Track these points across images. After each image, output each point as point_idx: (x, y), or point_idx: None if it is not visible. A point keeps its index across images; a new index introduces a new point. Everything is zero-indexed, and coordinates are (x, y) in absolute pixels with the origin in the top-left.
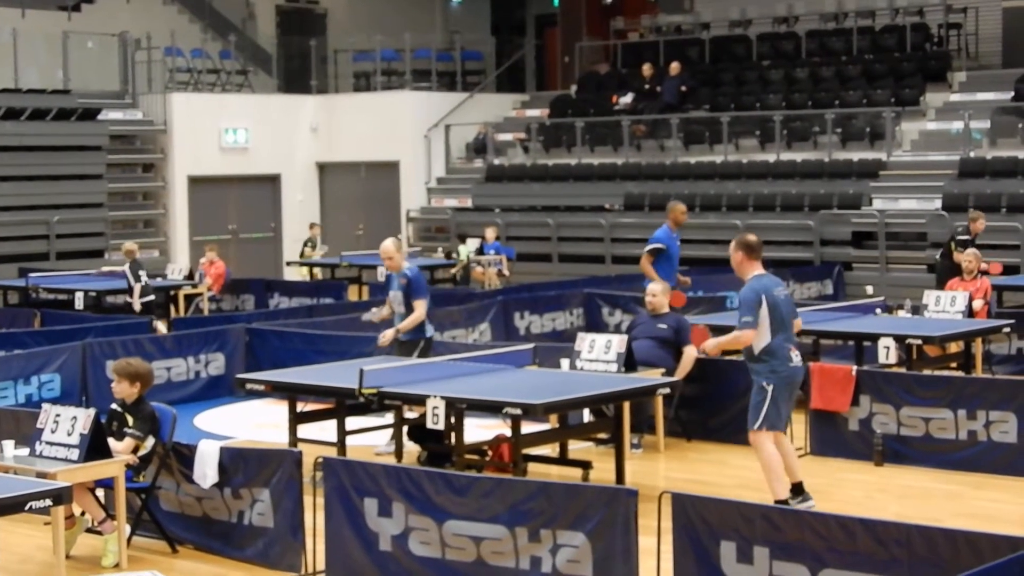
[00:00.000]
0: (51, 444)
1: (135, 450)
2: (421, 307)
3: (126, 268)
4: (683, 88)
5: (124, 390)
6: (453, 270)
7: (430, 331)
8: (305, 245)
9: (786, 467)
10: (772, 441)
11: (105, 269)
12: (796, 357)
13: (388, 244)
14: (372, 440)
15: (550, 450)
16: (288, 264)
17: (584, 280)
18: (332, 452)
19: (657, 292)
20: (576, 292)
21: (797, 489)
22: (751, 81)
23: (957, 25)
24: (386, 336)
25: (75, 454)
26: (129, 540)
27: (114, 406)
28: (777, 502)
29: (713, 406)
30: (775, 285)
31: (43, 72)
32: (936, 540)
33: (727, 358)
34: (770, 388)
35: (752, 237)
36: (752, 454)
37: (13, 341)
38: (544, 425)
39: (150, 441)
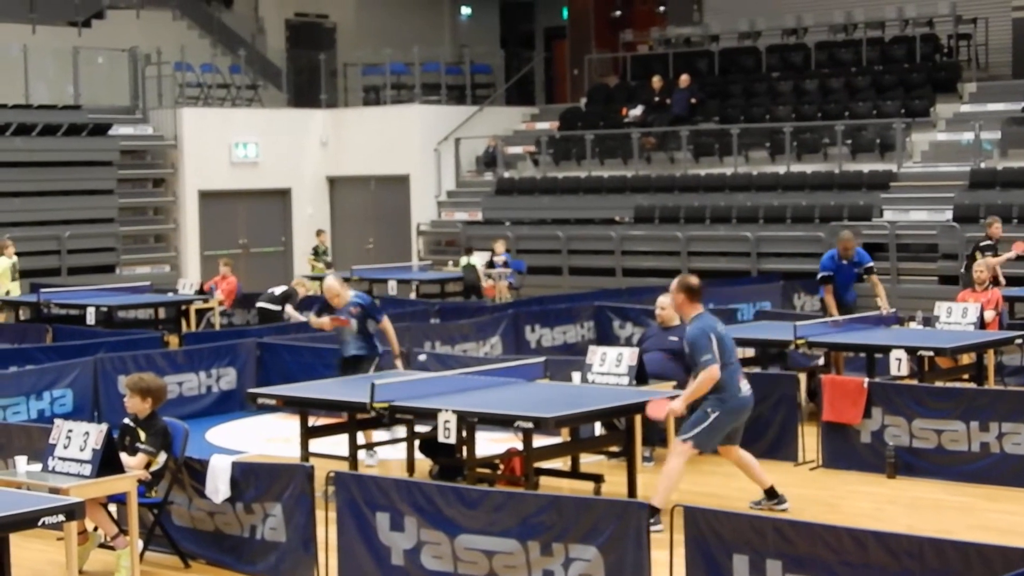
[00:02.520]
0: (63, 459)
1: (147, 465)
2: (389, 322)
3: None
4: (693, 100)
5: (136, 405)
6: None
7: (382, 348)
8: (315, 254)
9: (753, 475)
10: (687, 457)
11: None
12: (745, 387)
13: (332, 282)
14: (385, 455)
15: (562, 463)
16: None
17: (595, 293)
18: (344, 466)
19: (667, 305)
20: (587, 305)
21: (771, 493)
22: (761, 93)
23: (967, 36)
24: (400, 365)
25: (87, 469)
26: (142, 555)
27: (126, 421)
28: (652, 510)
29: None
30: (716, 322)
31: (54, 88)
32: (948, 553)
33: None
34: (714, 415)
35: (694, 279)
36: (765, 467)
37: (25, 357)
38: (556, 438)
39: (162, 456)
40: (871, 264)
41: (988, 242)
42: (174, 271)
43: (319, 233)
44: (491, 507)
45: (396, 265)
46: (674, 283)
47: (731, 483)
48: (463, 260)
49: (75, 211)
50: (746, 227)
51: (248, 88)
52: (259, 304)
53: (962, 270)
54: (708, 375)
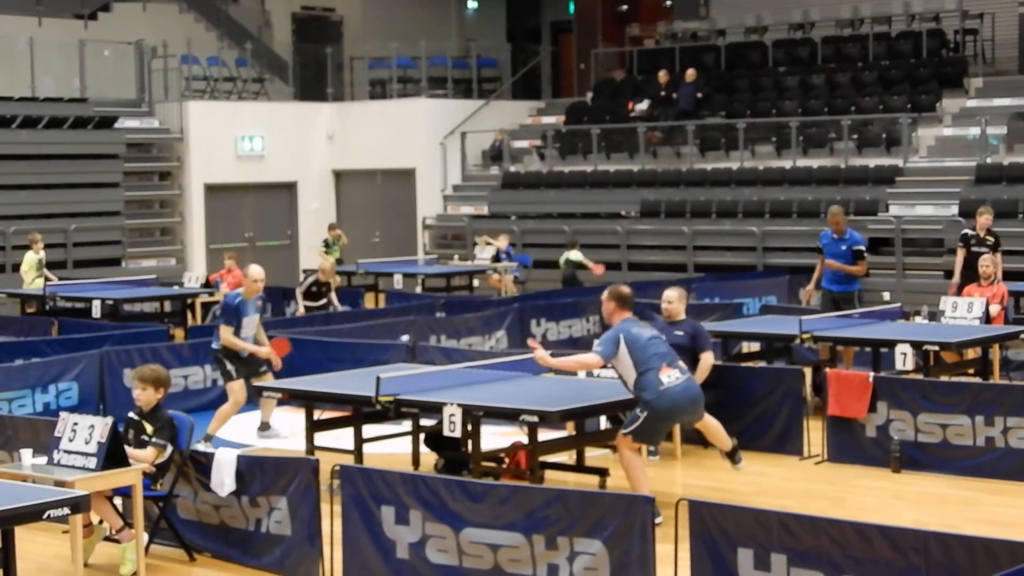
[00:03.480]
0: (69, 453)
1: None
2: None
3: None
4: (699, 95)
5: (148, 396)
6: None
7: None
8: (325, 247)
9: (717, 437)
10: (631, 448)
11: None
12: (671, 382)
13: (261, 270)
14: (390, 448)
15: (567, 457)
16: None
17: (600, 287)
18: (349, 460)
19: (673, 299)
20: (592, 299)
21: (732, 452)
22: (767, 87)
23: (973, 31)
24: (273, 358)
25: (93, 463)
26: (147, 548)
27: (131, 414)
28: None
29: (729, 413)
30: (634, 327)
31: (60, 81)
32: (953, 547)
33: (744, 365)
34: (643, 415)
35: (626, 289)
36: (770, 461)
37: (31, 350)
38: (561, 432)
39: (168, 449)
40: (860, 247)
41: (973, 232)
42: (180, 264)
43: (332, 227)
44: (496, 501)
45: (402, 259)
46: (606, 292)
47: (736, 477)
48: (565, 255)
49: (81, 204)
50: (752, 221)
51: (254, 81)
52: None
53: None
54: (587, 360)
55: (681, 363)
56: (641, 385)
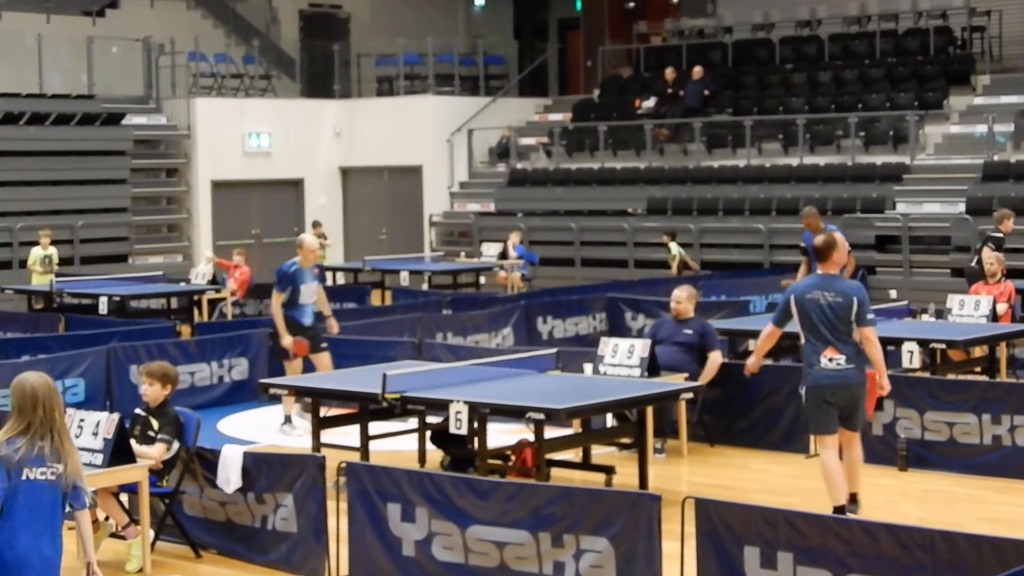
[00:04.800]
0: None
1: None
2: (323, 290)
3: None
4: (706, 92)
5: (155, 392)
6: (674, 268)
7: None
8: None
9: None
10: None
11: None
12: (827, 360)
13: (316, 240)
14: (396, 446)
15: (573, 455)
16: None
17: (607, 284)
18: (355, 457)
19: (682, 299)
20: (599, 296)
21: (852, 498)
22: (774, 84)
23: (981, 28)
24: (333, 325)
25: (99, 459)
26: (153, 545)
27: (138, 411)
28: (835, 509)
29: (737, 410)
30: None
31: (67, 77)
32: (960, 545)
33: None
34: (803, 390)
35: (836, 238)
36: (776, 459)
37: (37, 345)
38: (567, 430)
39: (174, 445)
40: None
41: (998, 235)
42: (187, 261)
43: (316, 225)
44: (502, 498)
45: (408, 256)
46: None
47: (743, 475)
48: (673, 247)
49: (88, 200)
50: (759, 219)
51: (262, 78)
52: None
53: (972, 264)
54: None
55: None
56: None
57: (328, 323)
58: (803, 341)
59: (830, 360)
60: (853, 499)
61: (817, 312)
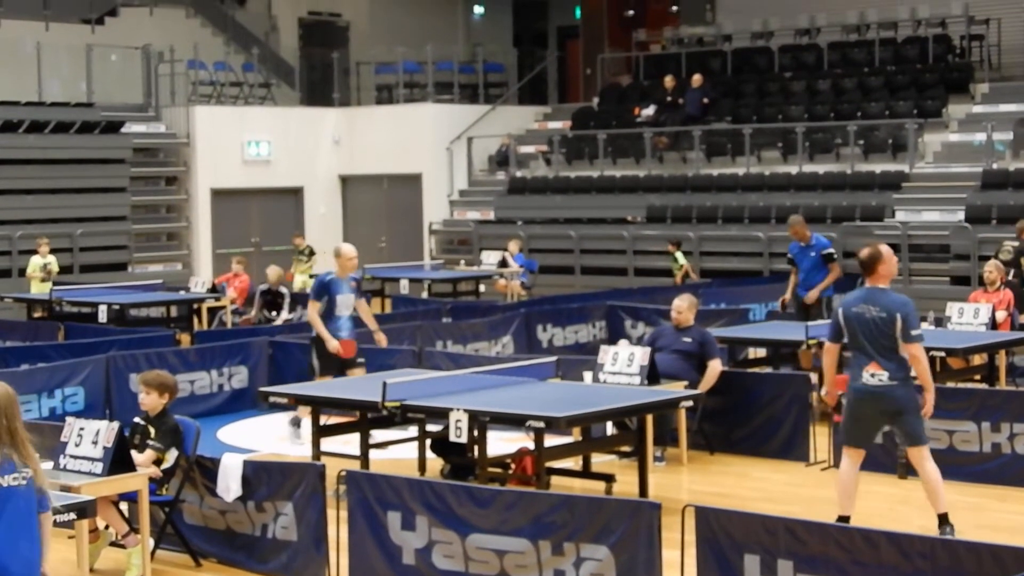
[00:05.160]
0: (75, 457)
1: (158, 463)
2: (366, 304)
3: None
4: (705, 100)
5: (153, 401)
6: (678, 278)
7: None
8: (305, 255)
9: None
10: (848, 456)
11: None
12: (869, 375)
13: (353, 248)
14: (396, 454)
15: (573, 463)
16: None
17: (607, 292)
18: (355, 465)
19: (683, 308)
20: (599, 304)
21: (942, 519)
22: (773, 93)
23: (979, 36)
24: (381, 338)
25: (99, 467)
26: (153, 553)
27: (137, 419)
28: (839, 517)
29: (736, 419)
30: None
31: (67, 85)
32: (960, 553)
33: (750, 371)
34: (844, 401)
35: (883, 248)
36: (776, 467)
37: (37, 354)
38: (567, 438)
39: (173, 454)
40: (829, 251)
41: (1018, 243)
42: (186, 269)
43: (296, 236)
44: (502, 506)
45: (408, 264)
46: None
47: (743, 483)
48: (678, 256)
49: (87, 209)
50: (758, 227)
51: (261, 86)
52: None
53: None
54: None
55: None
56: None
57: (376, 337)
58: (851, 355)
59: (872, 375)
60: (945, 519)
61: (862, 327)
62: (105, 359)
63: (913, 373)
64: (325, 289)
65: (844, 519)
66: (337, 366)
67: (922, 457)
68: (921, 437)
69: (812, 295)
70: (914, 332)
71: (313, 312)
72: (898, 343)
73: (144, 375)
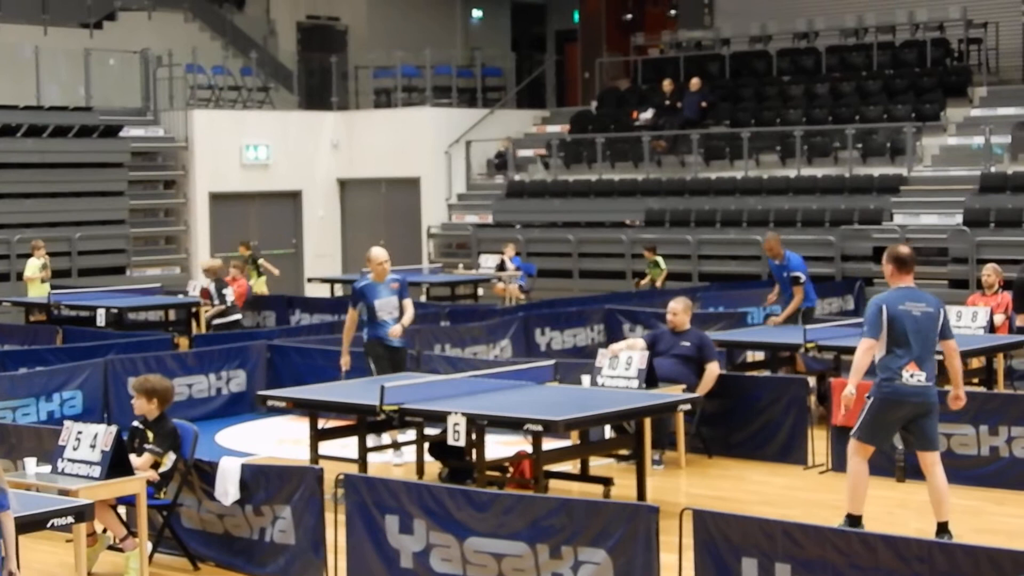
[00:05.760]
0: (73, 461)
1: (155, 466)
2: (412, 306)
3: (211, 286)
4: (703, 103)
5: (143, 407)
6: (659, 282)
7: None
8: (253, 263)
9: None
10: (861, 454)
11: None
12: (908, 375)
13: (383, 251)
14: (394, 457)
15: (571, 466)
16: (260, 276)
17: (605, 296)
18: (353, 469)
19: (678, 311)
20: (597, 308)
21: (941, 527)
22: (771, 96)
23: (978, 40)
24: (397, 330)
25: (97, 471)
26: (151, 557)
27: (136, 423)
28: (849, 516)
29: (735, 422)
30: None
31: (65, 89)
32: (957, 556)
33: (749, 374)
34: (869, 401)
35: (904, 249)
36: (774, 470)
37: (35, 358)
38: (565, 441)
39: (171, 458)
40: (795, 274)
41: None
42: (184, 273)
43: (243, 245)
44: (500, 510)
45: (406, 268)
46: (885, 255)
47: (740, 486)
48: (656, 261)
49: (86, 213)
50: (756, 230)
51: (259, 90)
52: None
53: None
54: (862, 349)
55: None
56: (883, 364)
57: (392, 328)
58: (884, 353)
59: (911, 375)
60: (944, 528)
61: (912, 325)
62: (103, 363)
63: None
64: (359, 296)
65: (856, 519)
66: (390, 369)
67: (935, 461)
68: (937, 440)
69: (775, 322)
70: (952, 328)
71: (348, 319)
72: (936, 342)
73: (134, 380)
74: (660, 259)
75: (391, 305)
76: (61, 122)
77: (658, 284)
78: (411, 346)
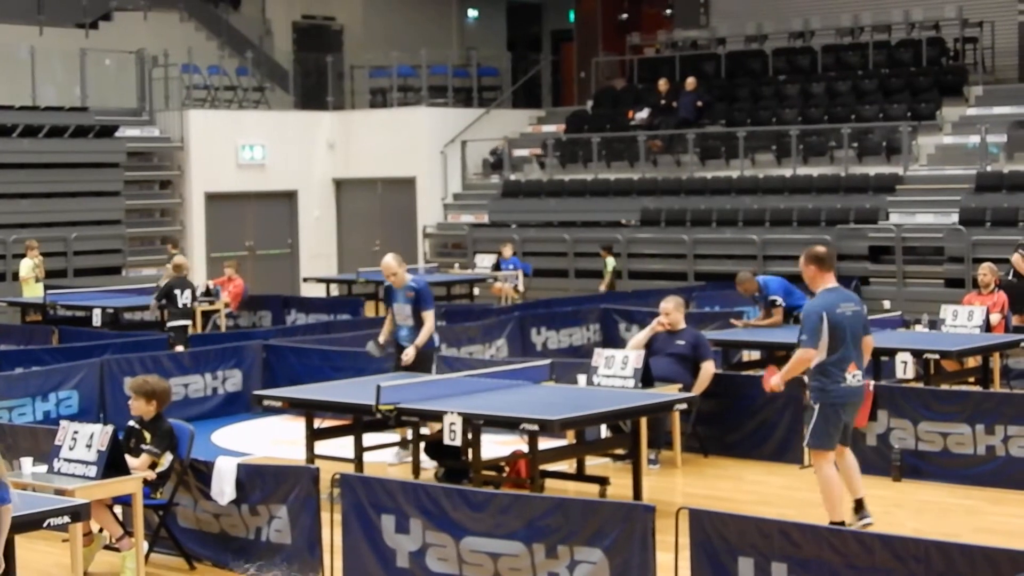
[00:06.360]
0: (69, 461)
1: (152, 466)
2: (431, 318)
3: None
4: (699, 103)
5: (141, 407)
6: (603, 285)
7: (437, 340)
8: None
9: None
10: (825, 461)
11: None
12: (851, 376)
13: (390, 260)
14: (390, 457)
15: (567, 466)
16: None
17: (601, 295)
18: (349, 468)
19: (670, 310)
20: (593, 308)
21: (858, 505)
22: (767, 96)
23: (973, 39)
24: (408, 355)
25: (93, 471)
26: (147, 557)
27: (132, 423)
28: (831, 523)
29: (731, 422)
30: (842, 300)
31: (61, 89)
32: (954, 556)
33: (745, 374)
34: (817, 407)
35: (821, 248)
36: (770, 470)
37: (31, 358)
38: (561, 441)
39: (168, 458)
40: (772, 298)
41: None
42: None
43: (168, 242)
44: (496, 509)
45: None
46: (803, 256)
47: (738, 486)
48: (610, 261)
49: (81, 213)
50: (752, 230)
51: (255, 90)
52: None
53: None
54: (800, 357)
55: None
56: (823, 369)
57: (406, 351)
58: (825, 357)
59: (853, 376)
60: (861, 505)
61: (850, 327)
62: (99, 363)
63: None
64: (385, 295)
65: (840, 524)
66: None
67: (847, 449)
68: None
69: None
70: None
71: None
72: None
73: (132, 381)
74: (610, 259)
75: (404, 312)
76: (57, 122)
77: (603, 285)
78: (433, 346)
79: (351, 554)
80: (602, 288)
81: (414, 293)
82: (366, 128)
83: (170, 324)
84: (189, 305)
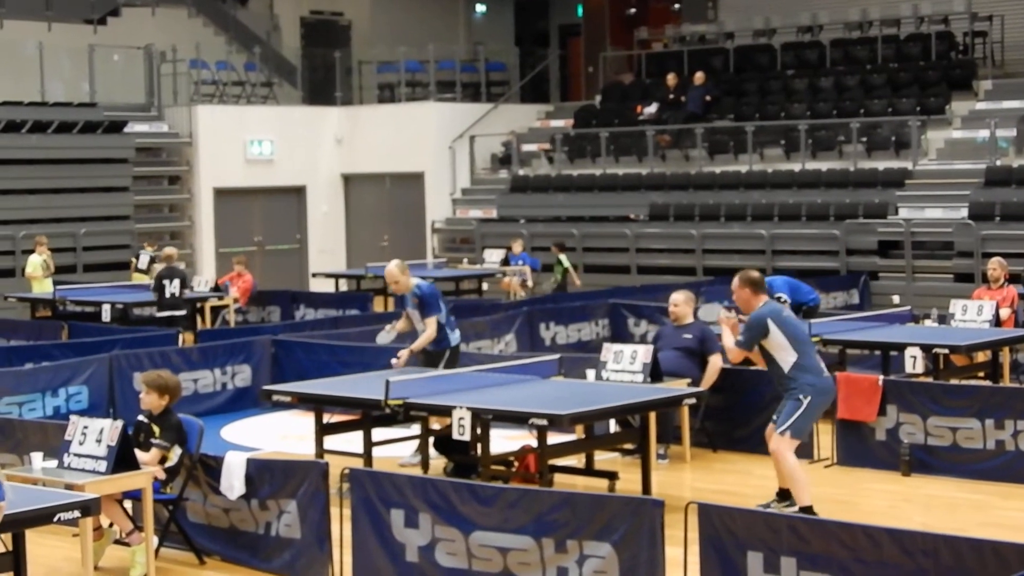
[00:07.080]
0: (79, 456)
1: (161, 461)
2: (432, 324)
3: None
4: (707, 98)
5: (153, 402)
6: (552, 281)
7: (454, 339)
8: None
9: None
10: (793, 448)
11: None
12: (824, 368)
13: (392, 268)
14: (398, 451)
15: (576, 461)
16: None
17: (609, 290)
18: (358, 463)
19: (679, 302)
20: (601, 302)
21: (783, 493)
22: (775, 90)
23: (983, 33)
24: (401, 358)
25: (103, 466)
26: (157, 551)
27: (141, 418)
28: (801, 509)
29: (739, 416)
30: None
31: (69, 85)
32: (963, 550)
33: (753, 368)
34: (806, 401)
35: (755, 273)
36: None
37: (41, 353)
38: (570, 436)
39: (177, 452)
40: (778, 295)
41: None
42: (189, 268)
43: (146, 244)
44: (505, 504)
45: (411, 262)
46: (736, 280)
47: (746, 480)
48: (562, 260)
49: (90, 208)
50: (761, 225)
51: (263, 85)
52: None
53: None
54: (728, 354)
55: None
56: (803, 367)
57: (399, 354)
58: (799, 357)
59: (823, 368)
60: (786, 495)
61: (803, 326)
62: (109, 358)
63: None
64: (399, 297)
65: (809, 508)
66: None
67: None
68: None
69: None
70: None
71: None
72: None
73: (145, 375)
74: (563, 257)
75: (415, 317)
76: (65, 118)
77: (551, 283)
78: (447, 344)
79: (360, 549)
80: (547, 288)
81: (418, 299)
82: (374, 123)
83: (158, 315)
84: (177, 295)
